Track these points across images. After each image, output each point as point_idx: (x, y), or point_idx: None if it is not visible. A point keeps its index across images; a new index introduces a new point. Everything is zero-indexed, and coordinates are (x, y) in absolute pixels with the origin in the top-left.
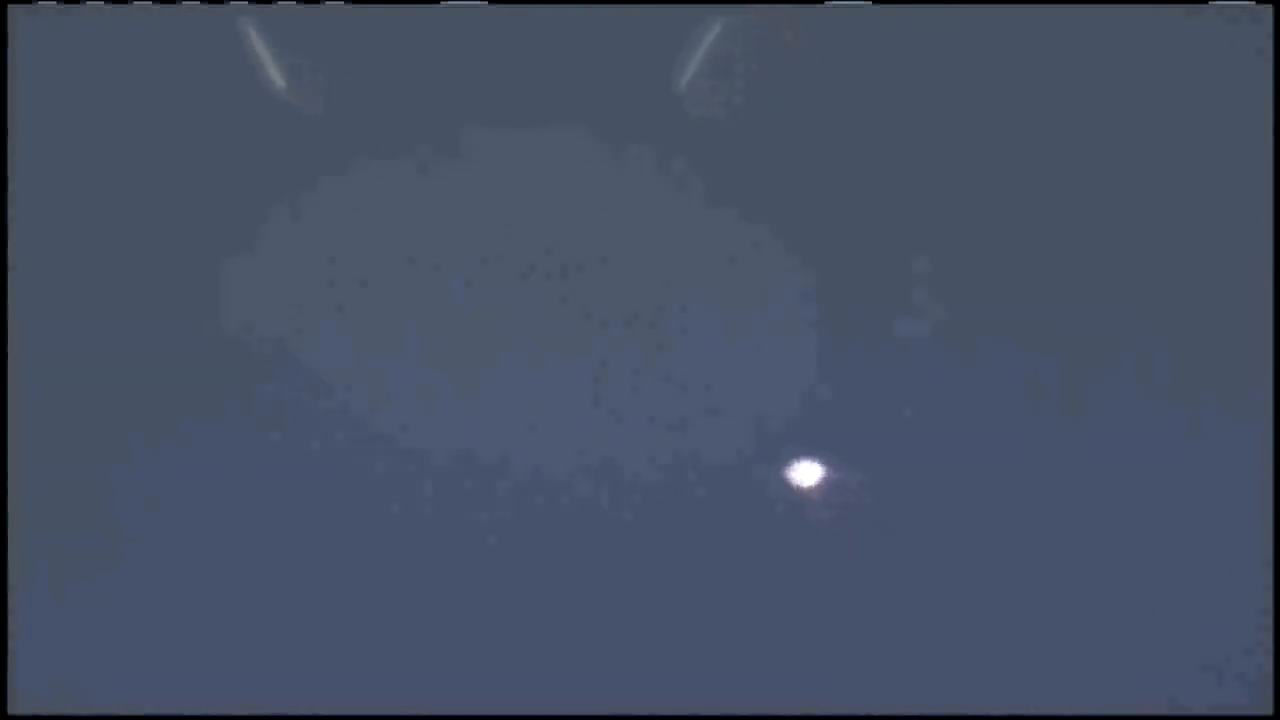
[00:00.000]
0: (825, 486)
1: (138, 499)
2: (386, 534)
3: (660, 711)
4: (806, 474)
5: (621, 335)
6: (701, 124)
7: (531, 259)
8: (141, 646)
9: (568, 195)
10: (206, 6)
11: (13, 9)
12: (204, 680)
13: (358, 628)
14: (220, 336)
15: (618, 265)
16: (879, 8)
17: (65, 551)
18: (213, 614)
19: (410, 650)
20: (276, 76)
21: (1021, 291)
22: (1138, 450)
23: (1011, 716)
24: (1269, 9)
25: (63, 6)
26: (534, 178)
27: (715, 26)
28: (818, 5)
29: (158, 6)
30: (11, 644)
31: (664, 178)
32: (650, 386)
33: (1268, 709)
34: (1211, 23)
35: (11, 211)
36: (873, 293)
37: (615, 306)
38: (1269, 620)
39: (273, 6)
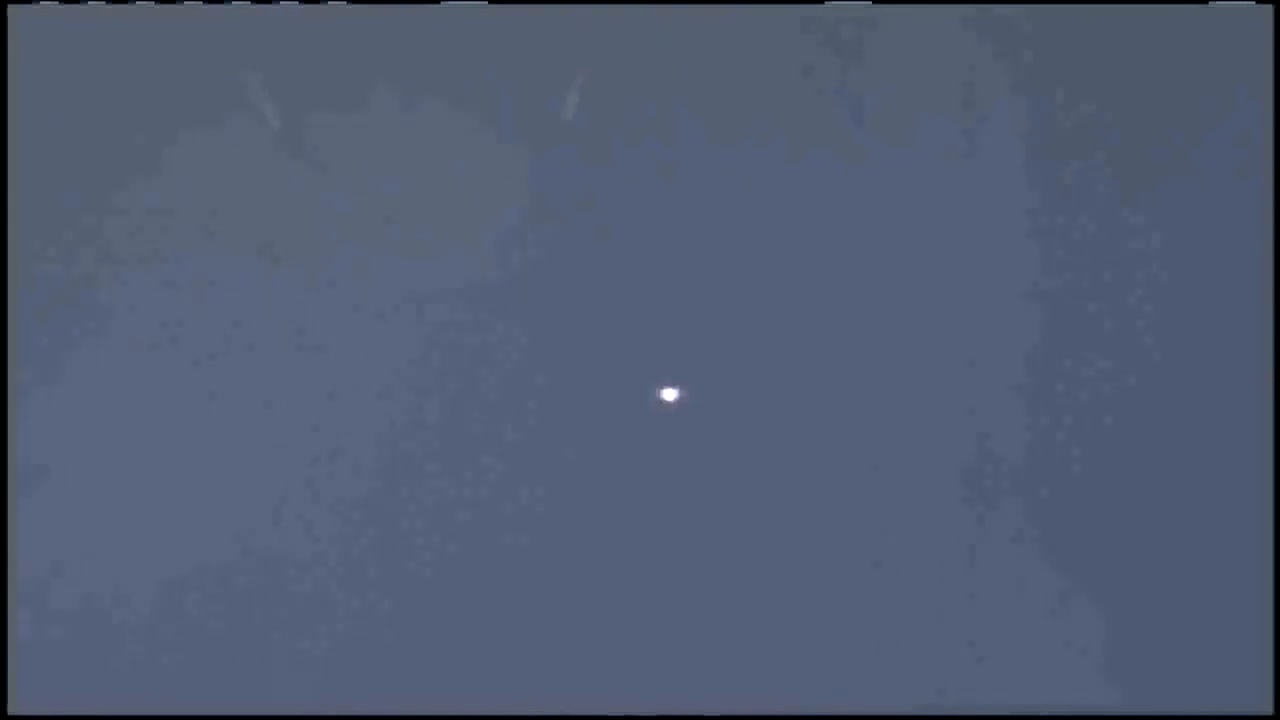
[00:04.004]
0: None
1: (136, 498)
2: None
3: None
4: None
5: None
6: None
7: None
8: (141, 647)
9: None
10: (205, 7)
11: (13, 9)
12: (204, 680)
13: (356, 628)
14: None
15: None
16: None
17: (65, 551)
18: (212, 615)
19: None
20: (272, 119)
21: (1017, 306)
22: (1141, 453)
23: (1011, 716)
24: (1269, 9)
25: (63, 6)
26: None
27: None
28: (818, 5)
29: (157, 7)
30: (11, 644)
31: None
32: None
33: (1268, 709)
34: (1211, 23)
35: (11, 209)
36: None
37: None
38: (1269, 620)
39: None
